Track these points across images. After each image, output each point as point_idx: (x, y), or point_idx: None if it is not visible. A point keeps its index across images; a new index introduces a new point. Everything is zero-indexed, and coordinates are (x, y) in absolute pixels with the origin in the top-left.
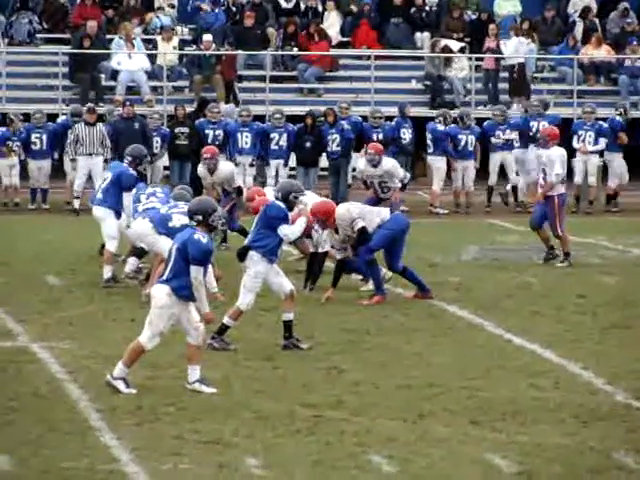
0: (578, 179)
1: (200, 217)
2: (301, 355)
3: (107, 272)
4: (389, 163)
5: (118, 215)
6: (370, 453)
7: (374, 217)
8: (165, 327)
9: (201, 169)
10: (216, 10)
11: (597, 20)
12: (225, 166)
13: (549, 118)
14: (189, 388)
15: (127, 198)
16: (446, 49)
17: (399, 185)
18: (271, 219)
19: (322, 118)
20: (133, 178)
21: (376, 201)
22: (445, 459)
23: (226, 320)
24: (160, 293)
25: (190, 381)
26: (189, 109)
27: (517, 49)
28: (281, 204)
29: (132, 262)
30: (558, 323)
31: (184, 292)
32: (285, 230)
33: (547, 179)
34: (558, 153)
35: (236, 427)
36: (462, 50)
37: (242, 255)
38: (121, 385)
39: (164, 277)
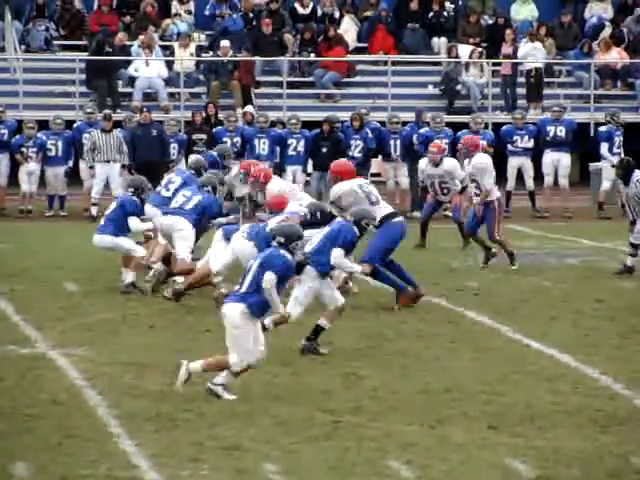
0: (607, 185)
1: (282, 240)
2: (320, 361)
3: (129, 277)
4: (450, 162)
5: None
6: (389, 458)
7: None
8: (250, 344)
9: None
10: (234, 15)
11: (626, 28)
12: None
13: (565, 123)
14: (208, 386)
15: (133, 221)
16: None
17: (459, 187)
18: (340, 240)
19: (342, 123)
20: (134, 205)
21: (435, 206)
22: (464, 464)
23: (322, 322)
24: (234, 312)
25: (214, 382)
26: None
27: (527, 54)
28: (355, 228)
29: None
30: (576, 328)
31: (258, 310)
32: (335, 253)
33: (481, 188)
34: (484, 160)
35: (255, 433)
36: (480, 55)
37: (300, 267)
38: (220, 390)
39: (239, 292)
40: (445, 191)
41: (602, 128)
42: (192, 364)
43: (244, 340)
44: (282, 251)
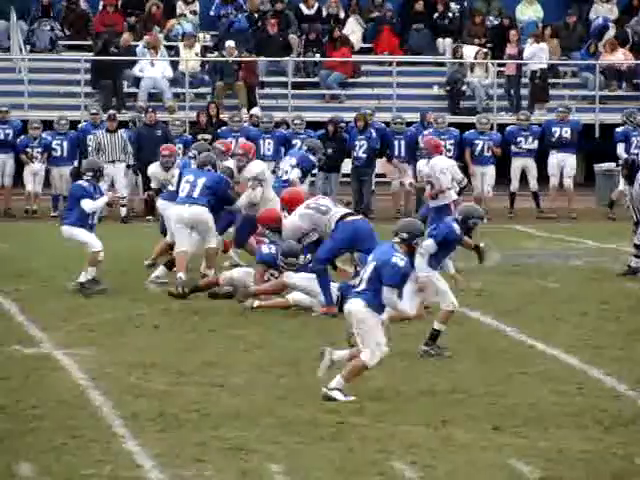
0: (623, 186)
1: (405, 235)
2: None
3: (82, 275)
4: (448, 163)
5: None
6: (393, 459)
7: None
8: (382, 336)
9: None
10: (239, 16)
11: (630, 29)
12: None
13: (571, 124)
14: (323, 392)
15: (85, 203)
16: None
17: (457, 188)
18: (444, 239)
19: (345, 124)
20: (81, 188)
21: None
22: (468, 465)
23: (437, 325)
24: (358, 307)
25: (329, 386)
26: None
27: (532, 55)
28: (456, 226)
29: (161, 270)
30: (581, 329)
31: (379, 308)
32: (427, 242)
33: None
34: (442, 161)
35: (259, 433)
36: (485, 56)
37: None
38: (338, 394)
39: (359, 288)
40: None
41: (619, 129)
42: (332, 382)
43: (373, 334)
44: (395, 258)
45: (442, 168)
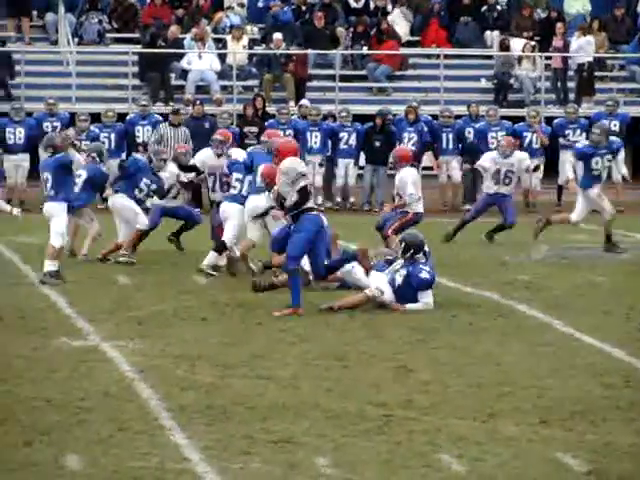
0: None
1: None
2: (370, 354)
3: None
4: (520, 154)
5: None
6: (440, 452)
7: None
8: None
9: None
10: (285, 8)
11: None
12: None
13: (619, 117)
14: None
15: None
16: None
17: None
18: None
19: (393, 116)
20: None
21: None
22: (515, 458)
23: None
24: None
25: None
26: None
27: (580, 48)
28: None
29: (212, 256)
30: (629, 322)
31: None
32: None
33: (402, 198)
34: (409, 174)
35: (306, 426)
36: (533, 49)
37: None
38: None
39: None
40: (507, 181)
41: None
42: None
43: None
44: None
45: (412, 181)
